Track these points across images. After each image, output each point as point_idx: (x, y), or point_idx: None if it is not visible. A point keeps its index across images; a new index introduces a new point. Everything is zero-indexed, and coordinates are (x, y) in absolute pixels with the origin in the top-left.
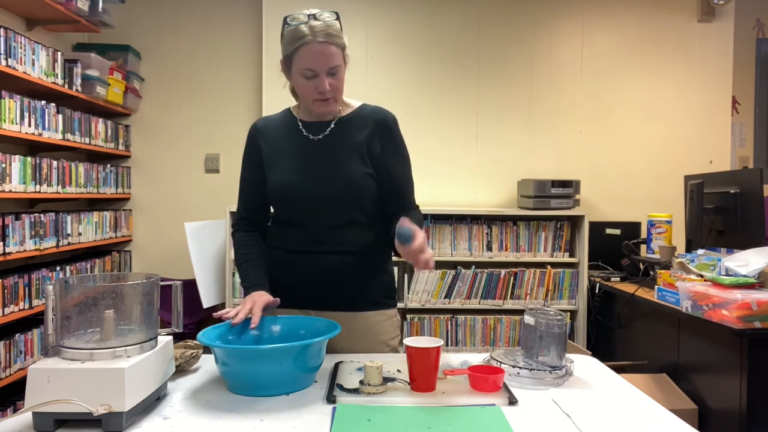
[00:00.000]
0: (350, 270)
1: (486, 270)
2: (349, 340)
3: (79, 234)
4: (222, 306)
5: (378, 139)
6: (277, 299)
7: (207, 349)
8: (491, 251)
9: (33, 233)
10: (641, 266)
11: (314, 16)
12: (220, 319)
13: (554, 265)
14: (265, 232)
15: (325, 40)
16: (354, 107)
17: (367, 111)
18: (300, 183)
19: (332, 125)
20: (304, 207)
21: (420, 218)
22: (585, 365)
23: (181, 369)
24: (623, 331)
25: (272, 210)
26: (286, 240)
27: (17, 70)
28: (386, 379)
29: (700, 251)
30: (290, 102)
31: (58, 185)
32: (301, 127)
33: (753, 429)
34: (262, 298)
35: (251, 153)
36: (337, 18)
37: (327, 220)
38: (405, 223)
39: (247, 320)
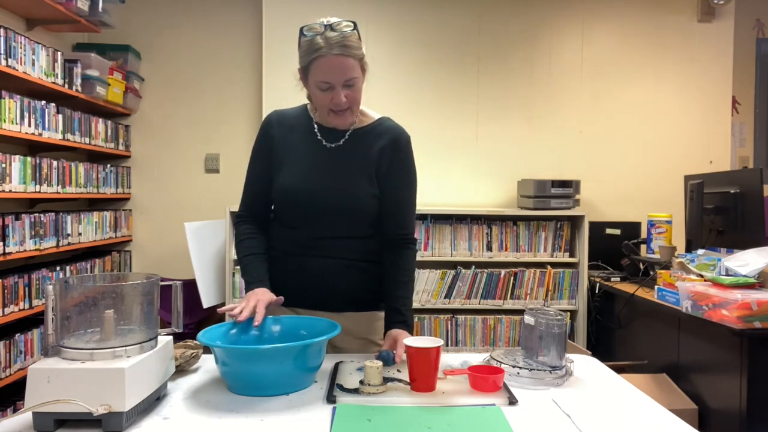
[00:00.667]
0: (343, 273)
1: (486, 270)
2: (341, 339)
3: (79, 234)
4: (222, 306)
5: (388, 158)
6: (281, 298)
7: (207, 349)
8: (491, 251)
9: (33, 233)
10: (641, 266)
11: (331, 27)
12: (221, 319)
13: (554, 265)
14: (267, 226)
15: (341, 53)
16: (373, 119)
17: (384, 127)
18: (305, 191)
19: (347, 135)
20: (305, 214)
21: (411, 261)
22: (585, 365)
23: (181, 369)
24: (623, 331)
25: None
26: (283, 241)
27: (17, 70)
28: (386, 379)
29: (700, 251)
30: (290, 102)
31: (58, 185)
32: (316, 131)
33: (753, 429)
34: (265, 296)
35: (263, 145)
36: (355, 28)
37: (326, 230)
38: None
39: (246, 322)
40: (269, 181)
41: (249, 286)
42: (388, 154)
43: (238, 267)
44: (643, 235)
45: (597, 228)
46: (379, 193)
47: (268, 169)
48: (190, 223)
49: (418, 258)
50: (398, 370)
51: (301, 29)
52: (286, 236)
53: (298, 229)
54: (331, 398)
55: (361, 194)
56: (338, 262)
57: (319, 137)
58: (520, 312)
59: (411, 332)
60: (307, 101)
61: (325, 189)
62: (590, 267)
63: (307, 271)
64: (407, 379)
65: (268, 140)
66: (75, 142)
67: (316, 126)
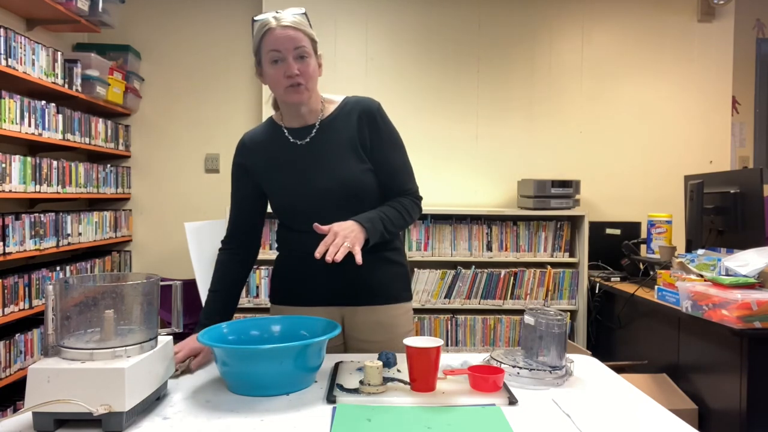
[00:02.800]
0: (366, 266)
1: (486, 270)
2: (369, 333)
3: (79, 234)
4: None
5: (367, 131)
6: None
7: None
8: (491, 251)
9: (33, 233)
10: (641, 266)
11: (279, 12)
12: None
13: (554, 265)
14: (254, 251)
15: (289, 25)
16: (336, 103)
17: (350, 105)
18: (300, 193)
19: (317, 126)
20: (309, 215)
21: (410, 204)
22: (585, 365)
23: (186, 371)
24: (623, 331)
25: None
26: (299, 243)
27: (17, 70)
28: (386, 379)
29: (700, 251)
30: None
31: (58, 185)
32: (286, 134)
33: (753, 429)
34: (191, 344)
35: (239, 170)
36: (305, 14)
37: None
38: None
39: (247, 321)
40: (254, 201)
41: (197, 329)
42: (366, 126)
43: None
44: (643, 235)
45: (597, 228)
46: (373, 166)
47: (249, 190)
48: (190, 223)
49: (418, 258)
50: (398, 370)
51: (253, 18)
52: (301, 240)
53: (309, 232)
54: (331, 398)
55: (353, 171)
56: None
57: (291, 140)
58: (520, 312)
59: (366, 234)
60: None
61: (315, 183)
62: (590, 267)
63: (328, 268)
64: (407, 379)
65: (245, 163)
66: (75, 142)
67: (285, 130)
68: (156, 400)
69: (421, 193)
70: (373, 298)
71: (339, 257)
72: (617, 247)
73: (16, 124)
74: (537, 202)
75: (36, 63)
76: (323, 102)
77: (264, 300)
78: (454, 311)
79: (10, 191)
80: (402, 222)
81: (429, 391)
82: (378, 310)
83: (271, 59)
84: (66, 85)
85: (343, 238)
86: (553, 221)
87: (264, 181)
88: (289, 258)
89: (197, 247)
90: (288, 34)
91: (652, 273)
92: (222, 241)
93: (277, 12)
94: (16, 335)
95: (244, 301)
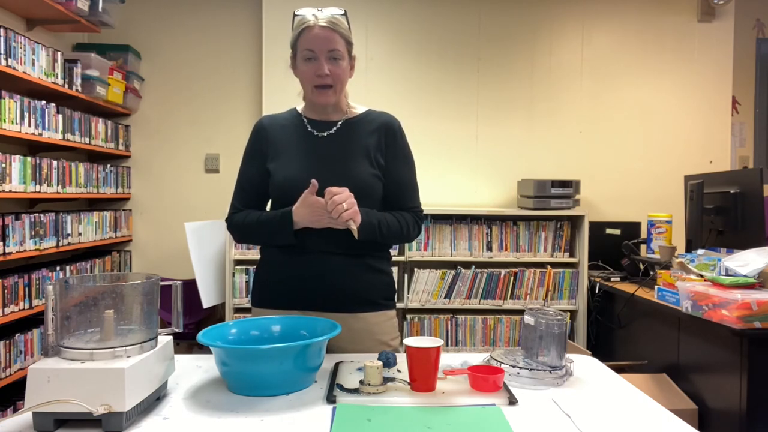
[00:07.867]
0: (350, 271)
1: (486, 270)
2: (349, 341)
3: (79, 234)
4: (222, 306)
5: (384, 144)
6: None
7: (207, 349)
8: (491, 251)
9: (33, 233)
10: (641, 266)
11: (321, 10)
12: (221, 319)
13: (554, 265)
14: None
15: (327, 25)
16: (360, 110)
17: (373, 116)
18: (305, 177)
19: (339, 125)
20: None
21: (410, 219)
22: (585, 365)
23: None
24: (623, 331)
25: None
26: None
27: (17, 70)
28: (386, 379)
29: (700, 251)
30: (290, 101)
31: (58, 185)
32: (306, 124)
33: (753, 429)
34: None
35: (254, 148)
36: (345, 15)
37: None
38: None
39: (247, 321)
40: (262, 182)
41: (285, 213)
42: (385, 139)
43: (238, 267)
44: (643, 235)
45: (597, 228)
46: (382, 177)
47: (260, 170)
48: (190, 223)
49: (419, 258)
50: (398, 370)
51: (294, 12)
52: None
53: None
54: (331, 398)
55: (363, 174)
56: (344, 259)
57: (309, 129)
58: (520, 312)
59: (360, 218)
60: (291, 104)
61: (323, 173)
62: (590, 267)
63: (311, 270)
64: (407, 379)
65: (260, 142)
66: (75, 142)
67: (306, 120)
68: (156, 400)
69: (421, 193)
70: (355, 306)
71: (346, 211)
72: (617, 247)
73: (16, 124)
74: (537, 202)
75: (36, 63)
76: (349, 105)
77: None
78: (454, 311)
79: (10, 191)
80: (398, 234)
81: (429, 391)
82: (359, 318)
83: (305, 57)
84: (66, 85)
85: (345, 204)
86: (553, 221)
87: (273, 159)
88: (274, 258)
89: (197, 247)
90: (324, 35)
91: (652, 273)
92: (231, 211)
93: (318, 10)
94: (16, 335)
95: (243, 301)
